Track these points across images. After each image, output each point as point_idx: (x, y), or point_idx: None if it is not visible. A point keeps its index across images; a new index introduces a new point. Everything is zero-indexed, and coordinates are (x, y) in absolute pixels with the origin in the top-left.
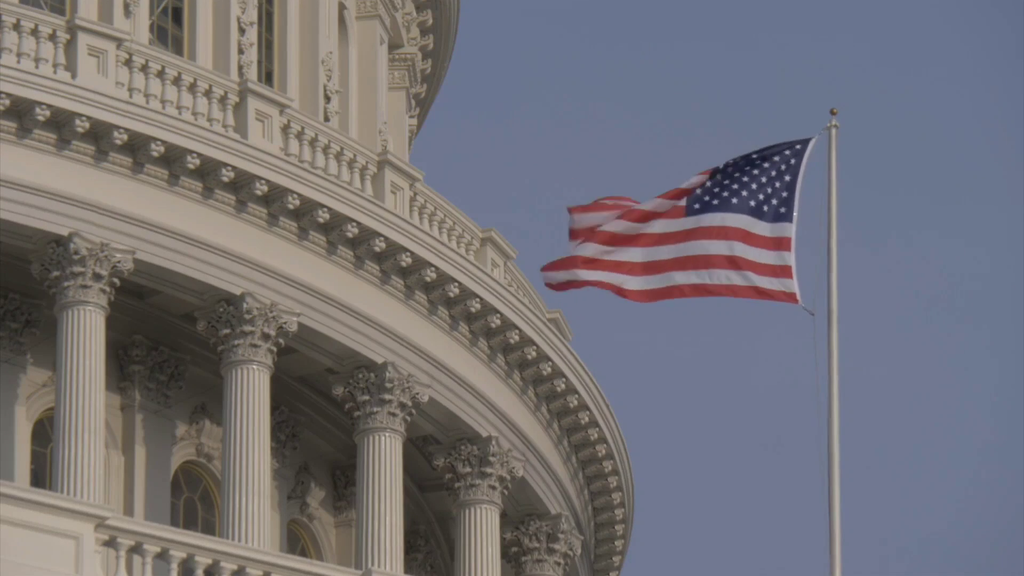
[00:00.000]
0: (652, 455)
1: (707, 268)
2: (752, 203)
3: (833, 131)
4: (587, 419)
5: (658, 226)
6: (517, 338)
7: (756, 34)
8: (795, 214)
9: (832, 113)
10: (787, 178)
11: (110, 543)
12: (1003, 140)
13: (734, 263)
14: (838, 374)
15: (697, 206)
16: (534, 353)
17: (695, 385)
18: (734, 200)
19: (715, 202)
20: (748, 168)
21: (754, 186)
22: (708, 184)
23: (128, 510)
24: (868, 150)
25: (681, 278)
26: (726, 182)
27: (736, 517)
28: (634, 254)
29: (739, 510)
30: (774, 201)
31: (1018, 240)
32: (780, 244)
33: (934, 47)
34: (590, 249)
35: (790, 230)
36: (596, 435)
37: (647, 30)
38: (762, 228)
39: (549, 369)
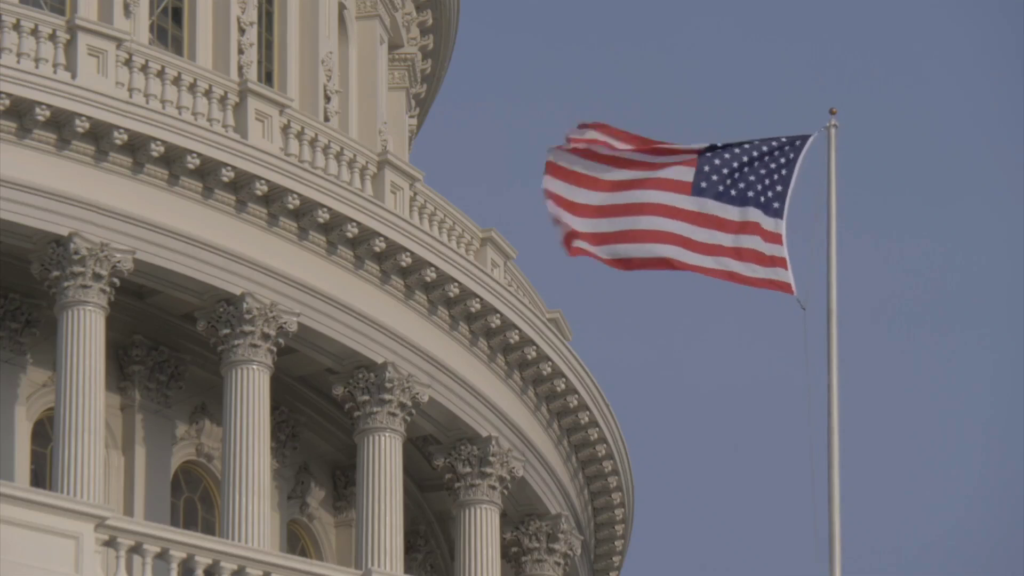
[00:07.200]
0: (652, 455)
1: (705, 253)
2: (750, 193)
3: (832, 131)
4: (587, 419)
5: (663, 197)
6: (517, 338)
7: (756, 34)
8: (785, 210)
9: (831, 113)
10: (783, 172)
11: (110, 543)
12: (1002, 141)
13: (735, 252)
14: (837, 374)
15: (704, 184)
16: (534, 353)
17: (695, 385)
18: (732, 192)
19: (720, 188)
20: (747, 157)
21: (752, 178)
22: (715, 164)
23: (128, 510)
24: (867, 150)
25: (678, 254)
26: (725, 171)
27: (736, 517)
28: (639, 222)
29: (739, 510)
30: (770, 194)
31: (1017, 240)
32: (775, 238)
33: (934, 47)
34: (585, 223)
35: (781, 226)
36: (596, 435)
37: (648, 30)
38: (763, 220)
39: (549, 369)
